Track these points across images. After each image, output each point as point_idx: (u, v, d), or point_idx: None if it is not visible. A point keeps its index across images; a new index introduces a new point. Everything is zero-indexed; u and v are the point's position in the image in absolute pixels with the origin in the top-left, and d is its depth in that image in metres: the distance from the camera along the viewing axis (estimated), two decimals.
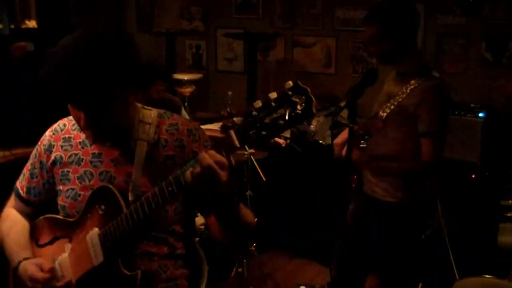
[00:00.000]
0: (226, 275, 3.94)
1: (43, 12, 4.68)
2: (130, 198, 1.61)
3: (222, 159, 1.41)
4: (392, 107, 2.63)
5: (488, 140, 3.85)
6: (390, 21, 2.60)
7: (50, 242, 1.80)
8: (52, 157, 1.77)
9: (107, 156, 1.70)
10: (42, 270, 1.71)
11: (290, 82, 1.37)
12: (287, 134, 4.82)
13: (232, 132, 1.39)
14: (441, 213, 3.68)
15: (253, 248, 3.92)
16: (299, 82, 1.37)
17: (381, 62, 2.75)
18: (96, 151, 1.72)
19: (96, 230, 1.65)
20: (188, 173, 1.44)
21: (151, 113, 1.73)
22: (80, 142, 1.75)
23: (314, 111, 1.35)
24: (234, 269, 3.94)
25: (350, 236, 2.88)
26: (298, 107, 1.35)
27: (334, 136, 2.86)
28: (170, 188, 1.49)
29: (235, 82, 5.21)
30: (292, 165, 4.48)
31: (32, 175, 1.83)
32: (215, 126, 5.00)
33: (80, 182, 1.71)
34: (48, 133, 1.82)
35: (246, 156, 3.78)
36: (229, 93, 4.15)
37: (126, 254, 1.64)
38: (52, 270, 1.72)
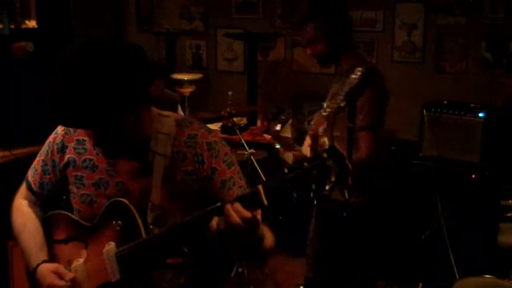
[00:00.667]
0: (226, 275, 3.94)
1: (43, 12, 4.67)
2: (149, 219, 1.58)
3: (249, 215, 1.36)
4: (333, 105, 2.66)
5: (488, 140, 3.85)
6: (324, 21, 2.67)
7: (65, 241, 1.77)
8: (65, 159, 1.73)
9: (123, 167, 1.65)
10: (62, 278, 1.68)
11: (326, 141, 1.35)
12: (288, 134, 4.82)
13: (260, 188, 1.34)
14: (441, 213, 3.68)
15: None
16: (336, 146, 1.31)
17: (319, 62, 2.80)
18: (111, 160, 1.66)
19: (113, 245, 1.62)
20: (213, 223, 1.39)
21: (168, 121, 1.65)
22: (94, 147, 1.68)
23: (350, 182, 1.29)
24: (234, 269, 3.95)
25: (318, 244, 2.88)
26: (332, 178, 1.28)
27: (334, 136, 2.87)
28: (190, 225, 1.46)
29: (235, 82, 5.21)
30: None
31: (44, 171, 1.79)
32: (215, 126, 5.00)
33: (96, 189, 1.68)
34: (60, 131, 1.76)
35: (246, 156, 3.79)
36: (229, 93, 4.15)
37: (143, 274, 1.61)
38: (73, 280, 1.68)
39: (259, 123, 5.01)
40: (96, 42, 1.50)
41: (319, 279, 2.95)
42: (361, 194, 2.66)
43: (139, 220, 1.57)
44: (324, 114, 2.70)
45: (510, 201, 3.51)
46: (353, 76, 2.61)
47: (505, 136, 3.92)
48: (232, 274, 3.93)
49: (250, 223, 1.36)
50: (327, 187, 1.28)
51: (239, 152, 3.90)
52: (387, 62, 4.63)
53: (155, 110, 1.68)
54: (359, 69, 2.60)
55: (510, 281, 2.87)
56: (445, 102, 4.06)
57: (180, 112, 4.31)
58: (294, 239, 4.31)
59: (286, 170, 1.32)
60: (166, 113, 1.69)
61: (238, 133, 3.92)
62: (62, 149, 1.73)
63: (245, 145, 3.80)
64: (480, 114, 3.87)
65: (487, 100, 4.20)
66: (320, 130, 2.81)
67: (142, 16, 5.70)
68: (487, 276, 2.89)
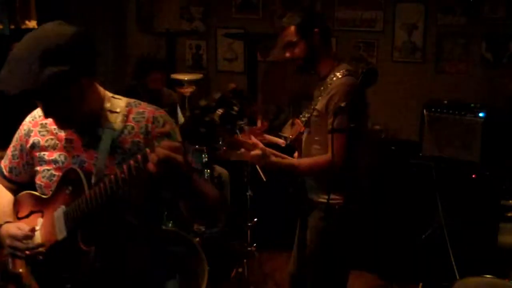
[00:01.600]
0: (226, 275, 3.94)
1: (43, 13, 4.67)
2: (93, 181, 1.75)
3: (176, 144, 1.52)
4: (311, 111, 2.70)
5: (488, 140, 3.85)
6: (301, 28, 2.65)
7: (27, 216, 1.95)
8: (31, 142, 1.90)
9: (78, 142, 1.83)
10: (21, 229, 1.88)
11: (233, 85, 1.47)
12: (288, 134, 4.82)
13: (176, 128, 1.54)
14: (441, 213, 3.68)
15: (253, 248, 3.92)
16: (236, 88, 1.50)
17: (298, 70, 2.78)
18: (69, 137, 1.84)
19: (62, 207, 1.81)
20: (153, 158, 1.52)
21: (120, 102, 1.84)
22: (54, 128, 1.87)
23: (251, 113, 1.47)
24: (234, 269, 3.95)
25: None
26: (235, 108, 1.47)
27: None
28: (124, 175, 1.61)
29: (235, 82, 5.20)
30: None
31: (13, 156, 1.98)
32: None
33: (55, 164, 1.85)
34: (27, 119, 1.96)
35: None
36: (232, 84, 4.15)
37: (86, 231, 1.75)
38: (32, 230, 1.87)
39: (259, 123, 5.01)
40: (47, 25, 1.73)
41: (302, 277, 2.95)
42: (341, 195, 2.66)
43: (84, 182, 1.74)
44: (303, 119, 2.73)
45: (510, 201, 3.51)
46: (331, 79, 2.62)
47: (505, 136, 3.92)
48: (232, 274, 3.93)
49: (177, 148, 1.52)
50: (225, 119, 1.46)
51: (239, 152, 3.90)
52: (387, 62, 4.63)
53: (108, 93, 1.87)
54: (338, 73, 2.62)
55: (510, 281, 2.87)
56: (445, 102, 4.06)
57: (179, 113, 4.32)
58: (294, 240, 4.32)
59: (197, 111, 1.48)
60: (118, 96, 1.88)
61: (238, 133, 3.92)
62: (28, 133, 1.92)
63: None
64: (480, 114, 3.87)
65: (487, 100, 4.20)
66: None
67: (142, 16, 5.70)
68: (487, 276, 2.89)
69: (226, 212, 2.89)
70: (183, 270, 2.85)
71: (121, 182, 1.62)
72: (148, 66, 4.07)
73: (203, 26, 5.45)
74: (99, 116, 1.81)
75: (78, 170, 1.77)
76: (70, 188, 1.79)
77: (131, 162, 1.59)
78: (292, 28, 2.67)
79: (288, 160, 2.80)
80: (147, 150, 1.55)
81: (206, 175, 3.64)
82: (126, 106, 1.84)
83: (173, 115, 4.66)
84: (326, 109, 2.60)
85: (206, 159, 3.66)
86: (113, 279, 1.84)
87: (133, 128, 1.80)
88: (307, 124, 2.74)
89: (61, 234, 1.80)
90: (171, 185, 1.66)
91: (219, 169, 4.25)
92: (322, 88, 2.70)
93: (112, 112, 1.81)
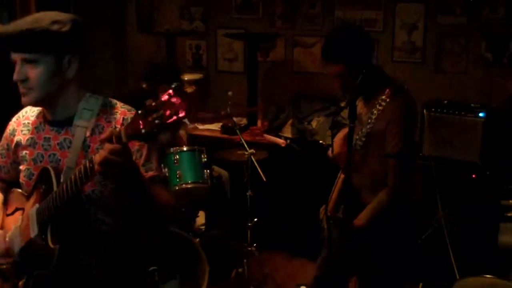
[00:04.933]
0: (226, 275, 3.94)
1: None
2: (62, 179, 1.81)
3: (115, 146, 1.59)
4: (364, 134, 2.60)
5: (488, 140, 3.85)
6: (352, 58, 2.56)
7: (12, 213, 2.05)
8: (15, 141, 1.98)
9: (55, 140, 1.90)
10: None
11: (175, 84, 1.51)
12: (288, 134, 4.82)
13: (121, 129, 1.59)
14: (441, 213, 3.68)
15: (253, 248, 3.92)
16: (178, 85, 1.51)
17: (349, 94, 2.64)
18: (46, 136, 1.91)
19: (36, 205, 1.88)
20: (96, 159, 1.62)
21: (95, 101, 1.91)
22: (36, 127, 1.95)
23: (187, 121, 1.48)
24: (234, 269, 3.95)
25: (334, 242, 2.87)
26: (175, 109, 1.48)
27: (334, 136, 2.86)
28: (81, 173, 1.69)
29: (235, 82, 5.21)
30: (292, 165, 4.48)
31: (1, 155, 2.07)
32: (215, 126, 5.00)
33: (34, 163, 1.92)
34: (13, 118, 2.05)
35: (246, 156, 3.78)
36: (229, 93, 4.14)
37: (56, 229, 1.81)
38: (6, 249, 1.95)
39: (259, 123, 5.01)
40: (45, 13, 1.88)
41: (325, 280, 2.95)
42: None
43: (54, 180, 1.81)
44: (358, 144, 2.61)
45: (510, 201, 3.51)
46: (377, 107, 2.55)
47: (505, 136, 3.92)
48: (232, 274, 3.94)
49: (115, 151, 1.59)
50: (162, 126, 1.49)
51: (239, 152, 3.90)
52: (387, 62, 4.63)
53: (87, 93, 1.93)
54: (379, 102, 2.52)
55: (510, 281, 2.88)
56: (445, 102, 4.06)
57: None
58: (294, 240, 4.32)
59: (141, 111, 1.53)
60: (97, 96, 1.94)
61: (238, 133, 3.92)
62: (13, 132, 2.00)
63: (245, 145, 3.80)
64: (480, 114, 3.86)
65: (487, 100, 4.20)
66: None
67: (142, 16, 5.70)
68: (487, 276, 2.89)
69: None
70: (183, 270, 2.85)
71: (78, 180, 1.70)
72: (159, 79, 4.02)
73: (203, 26, 5.45)
74: (74, 113, 1.87)
75: (50, 168, 1.85)
76: (43, 186, 1.86)
77: (85, 161, 1.68)
78: (341, 63, 2.58)
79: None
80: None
81: (205, 175, 3.64)
82: (102, 106, 1.90)
83: None
84: (384, 131, 2.54)
85: (205, 159, 3.67)
86: (110, 282, 1.88)
87: (103, 128, 1.87)
88: (361, 149, 2.63)
89: (33, 231, 1.86)
90: (117, 181, 1.73)
91: (218, 169, 4.25)
92: (372, 108, 2.60)
93: (87, 110, 1.87)
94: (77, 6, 4.99)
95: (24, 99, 1.87)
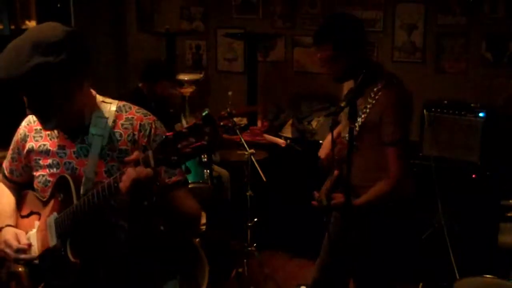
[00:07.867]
0: (226, 275, 3.94)
1: (43, 13, 4.67)
2: (82, 191, 1.77)
3: (146, 171, 1.54)
4: (358, 126, 2.57)
5: (488, 140, 3.85)
6: (340, 40, 2.55)
7: (28, 215, 2.00)
8: (27, 147, 1.94)
9: (70, 149, 1.85)
10: (18, 240, 1.91)
11: (206, 110, 1.50)
12: (288, 134, 4.83)
13: (150, 153, 1.53)
14: (441, 213, 3.68)
15: (253, 248, 3.92)
16: (209, 114, 1.47)
17: (337, 81, 2.70)
18: (61, 144, 1.87)
19: (54, 214, 1.85)
20: (121, 185, 1.58)
21: (110, 107, 1.86)
22: (48, 134, 1.90)
23: (216, 147, 1.45)
24: (234, 269, 3.95)
25: (333, 242, 2.86)
26: (206, 137, 1.45)
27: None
28: (104, 191, 1.65)
29: (235, 82, 5.21)
30: (292, 165, 4.48)
31: (13, 159, 2.03)
32: None
33: (49, 170, 1.88)
34: (23, 123, 1.99)
35: (246, 156, 3.79)
36: (229, 93, 4.15)
37: (76, 241, 1.78)
38: (28, 245, 1.91)
39: (259, 123, 5.01)
40: (46, 23, 1.77)
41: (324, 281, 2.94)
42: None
43: (74, 191, 1.77)
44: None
45: (510, 201, 3.51)
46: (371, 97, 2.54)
47: (505, 136, 3.92)
48: (232, 274, 3.93)
49: (145, 175, 1.55)
50: (197, 151, 1.46)
51: (239, 152, 3.90)
52: (387, 62, 4.63)
53: (99, 97, 1.88)
54: (373, 92, 2.54)
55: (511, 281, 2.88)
56: (445, 102, 4.06)
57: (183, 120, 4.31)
58: (294, 240, 4.32)
59: (171, 137, 1.48)
60: (109, 100, 1.89)
61: (238, 133, 3.92)
62: (24, 138, 1.95)
63: (245, 145, 3.80)
64: (480, 114, 3.87)
65: (487, 100, 4.20)
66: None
67: (142, 16, 5.70)
68: (487, 276, 2.89)
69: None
70: (183, 270, 2.85)
71: (102, 197, 1.66)
72: (158, 75, 4.03)
73: (203, 26, 5.45)
74: (89, 121, 1.82)
75: (69, 178, 1.80)
76: (61, 195, 1.82)
77: (110, 180, 1.64)
78: (329, 46, 2.58)
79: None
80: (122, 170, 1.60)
81: (205, 175, 3.64)
82: (116, 111, 1.85)
83: (178, 116, 4.68)
84: (380, 120, 2.53)
85: (205, 159, 3.67)
86: (115, 284, 1.86)
87: (121, 135, 1.82)
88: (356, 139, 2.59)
89: (52, 241, 1.83)
90: (143, 201, 1.68)
91: (219, 169, 4.25)
92: (366, 98, 2.58)
93: (102, 117, 1.83)
94: (77, 6, 5.00)
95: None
